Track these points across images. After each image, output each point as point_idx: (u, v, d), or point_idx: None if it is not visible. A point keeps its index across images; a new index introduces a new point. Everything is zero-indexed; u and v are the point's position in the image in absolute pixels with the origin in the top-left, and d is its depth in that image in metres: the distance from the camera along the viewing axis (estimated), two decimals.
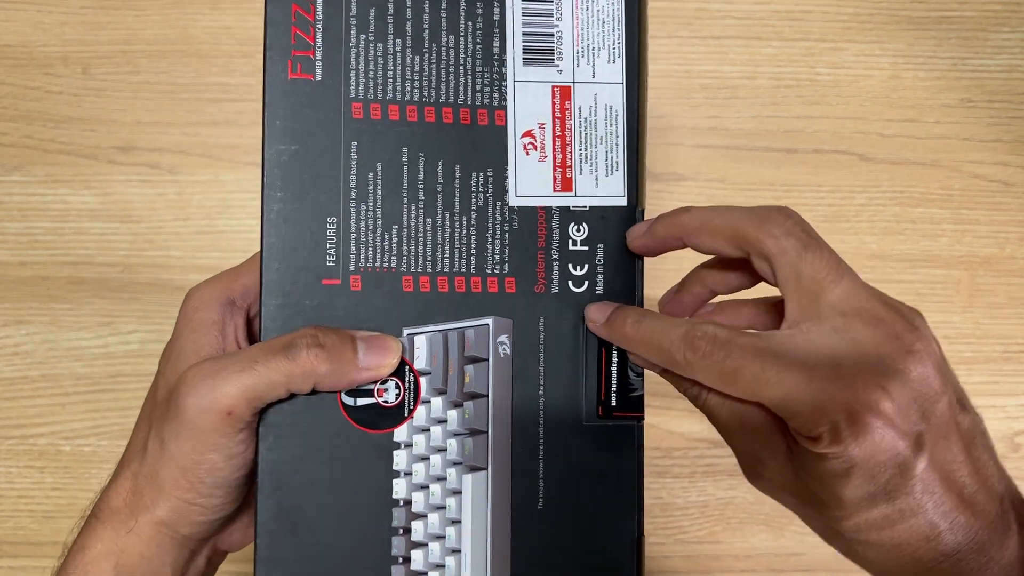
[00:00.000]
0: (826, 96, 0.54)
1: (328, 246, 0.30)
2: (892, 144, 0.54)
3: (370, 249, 0.31)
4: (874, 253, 0.54)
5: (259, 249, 0.30)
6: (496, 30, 0.32)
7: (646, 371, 0.32)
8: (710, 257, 0.32)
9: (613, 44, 0.32)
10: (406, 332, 0.31)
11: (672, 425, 0.53)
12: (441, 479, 0.31)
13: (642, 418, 0.32)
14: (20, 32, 0.53)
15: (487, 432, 0.31)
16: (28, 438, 0.51)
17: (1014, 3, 0.55)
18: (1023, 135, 0.55)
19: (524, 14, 0.32)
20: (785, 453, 0.27)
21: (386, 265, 0.31)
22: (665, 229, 0.30)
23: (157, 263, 0.52)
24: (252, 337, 0.33)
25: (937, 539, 0.25)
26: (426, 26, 0.31)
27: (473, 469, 0.31)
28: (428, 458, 0.31)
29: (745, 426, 0.28)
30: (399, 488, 0.31)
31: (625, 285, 0.32)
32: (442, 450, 0.31)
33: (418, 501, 0.31)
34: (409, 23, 0.31)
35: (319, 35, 0.30)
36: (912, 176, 0.54)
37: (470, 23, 0.31)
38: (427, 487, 0.31)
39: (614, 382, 0.32)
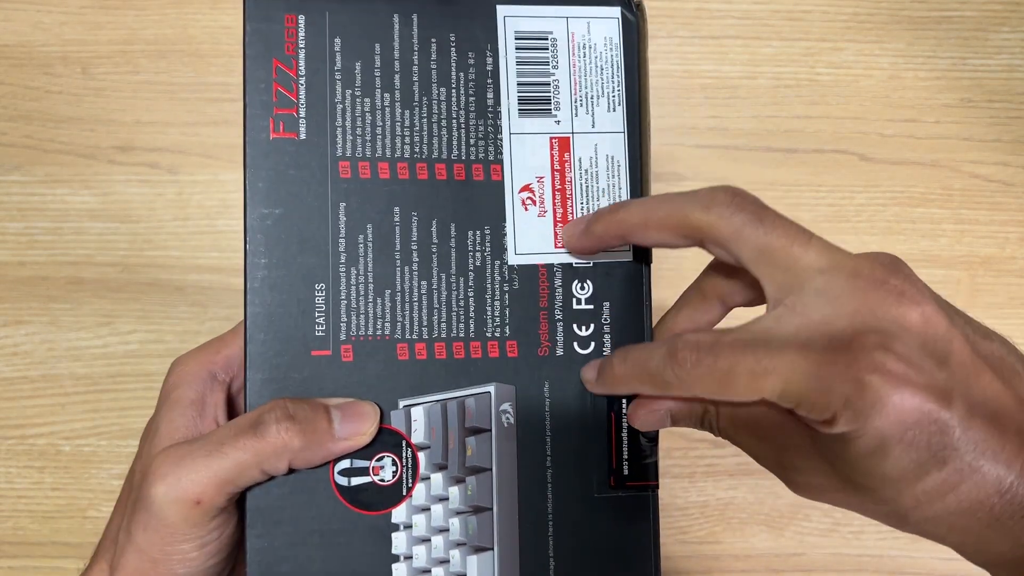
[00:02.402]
0: (826, 96, 0.54)
1: (317, 314, 0.29)
2: (892, 144, 0.54)
3: (362, 316, 0.29)
4: None
5: (243, 319, 0.29)
6: (490, 81, 0.30)
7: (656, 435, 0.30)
8: (712, 260, 0.29)
9: (613, 92, 0.31)
10: (402, 404, 0.29)
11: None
12: (444, 562, 0.29)
13: (657, 486, 0.30)
14: (20, 32, 0.53)
15: (492, 509, 0.29)
16: (27, 438, 0.51)
17: (1014, 3, 0.55)
18: (1023, 135, 0.55)
19: (518, 63, 0.30)
20: (812, 448, 0.25)
21: (379, 333, 0.29)
22: (604, 227, 0.28)
23: (156, 263, 0.52)
24: (233, 414, 0.31)
25: (1011, 491, 0.22)
26: (415, 79, 0.30)
27: (478, 550, 0.29)
28: (429, 539, 0.29)
29: (764, 436, 0.26)
30: (399, 574, 0.29)
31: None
32: (444, 530, 0.29)
33: None
34: (397, 76, 0.29)
35: (302, 92, 0.29)
36: (912, 176, 0.54)
37: (462, 74, 0.30)
38: (429, 572, 0.29)
39: (625, 449, 0.30)
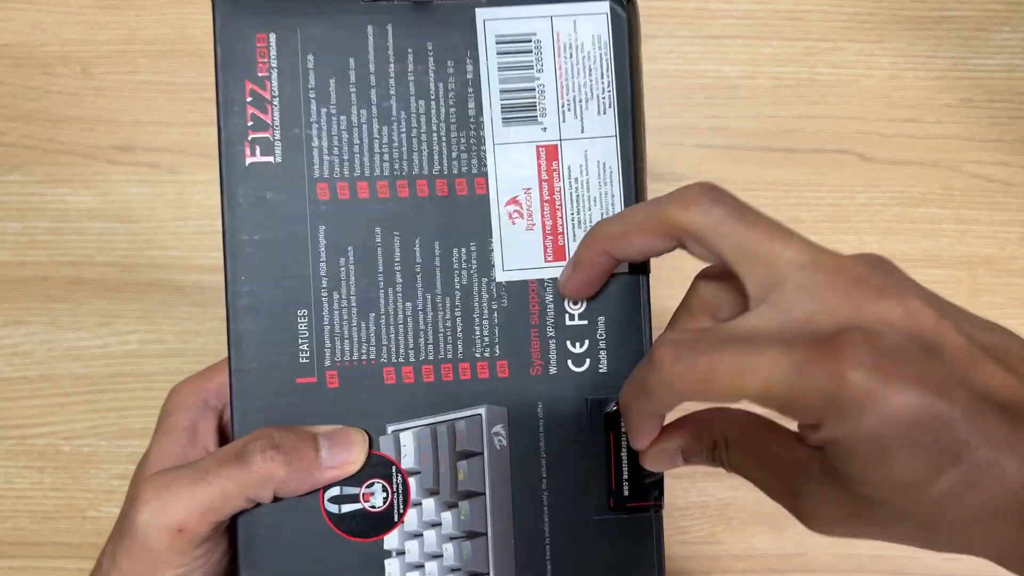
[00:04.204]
0: (826, 96, 0.54)
1: (300, 341, 0.28)
2: (892, 144, 0.54)
3: (346, 341, 0.28)
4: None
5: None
6: (470, 90, 0.29)
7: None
8: (705, 267, 0.28)
9: (603, 93, 0.29)
10: (391, 429, 0.28)
11: None
12: None
13: (660, 506, 0.29)
14: (19, 32, 0.53)
15: (486, 534, 0.29)
16: (27, 438, 0.51)
17: (1015, 3, 0.55)
18: (1023, 135, 0.55)
19: (500, 69, 0.29)
20: (823, 473, 0.23)
21: (364, 358, 0.28)
22: (589, 251, 0.27)
23: (156, 263, 0.52)
24: (225, 442, 0.31)
25: None
26: (392, 92, 0.28)
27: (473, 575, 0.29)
28: (423, 566, 0.28)
29: (774, 465, 0.25)
30: None
31: (630, 361, 0.29)
32: (438, 556, 0.29)
33: None
34: (374, 91, 0.28)
35: (276, 113, 0.28)
36: (912, 176, 0.54)
37: (441, 84, 0.29)
38: None
39: (625, 469, 0.29)
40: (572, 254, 0.28)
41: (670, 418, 0.27)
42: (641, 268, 0.30)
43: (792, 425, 0.25)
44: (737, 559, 0.52)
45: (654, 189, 0.54)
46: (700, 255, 0.26)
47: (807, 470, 0.24)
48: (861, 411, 0.21)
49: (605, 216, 0.29)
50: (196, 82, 0.53)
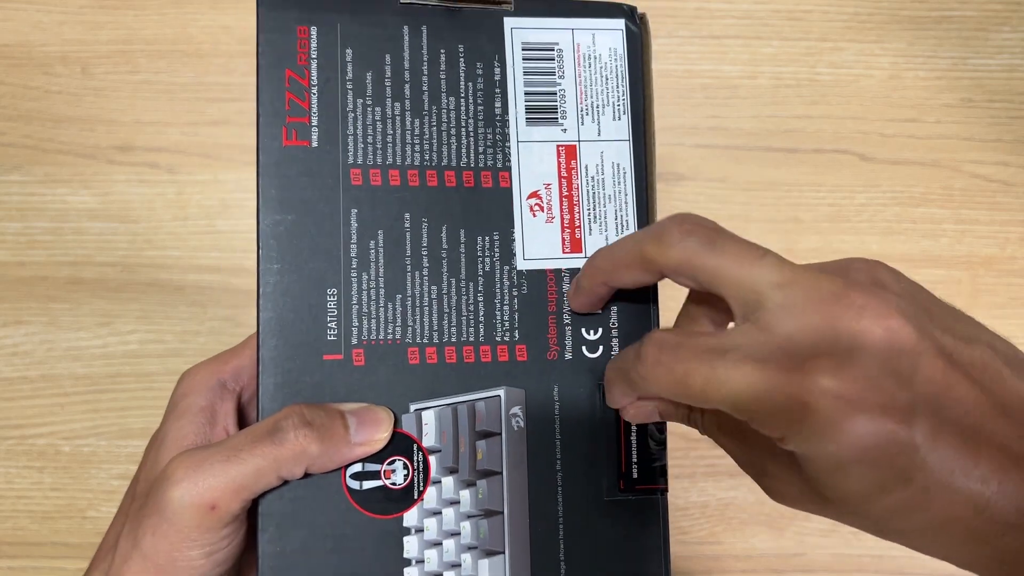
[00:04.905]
0: (826, 96, 0.54)
1: (329, 319, 0.29)
2: (892, 144, 0.54)
3: (373, 321, 0.29)
4: (875, 253, 0.54)
5: (255, 325, 0.29)
6: (497, 90, 0.31)
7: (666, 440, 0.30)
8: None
9: (618, 101, 0.32)
10: (413, 408, 0.29)
11: (672, 426, 0.53)
12: (456, 566, 0.29)
13: (665, 489, 0.31)
14: (19, 32, 0.53)
15: (503, 512, 0.29)
16: (27, 438, 0.51)
17: (1015, 3, 0.55)
18: (1023, 135, 0.55)
19: (525, 73, 0.31)
20: (784, 456, 0.24)
21: (390, 337, 0.29)
22: (588, 280, 0.29)
23: (156, 263, 0.52)
24: (243, 424, 0.31)
25: (988, 509, 0.21)
26: (425, 88, 0.30)
27: (490, 553, 0.29)
28: (441, 543, 0.29)
29: (743, 440, 0.26)
30: None
31: None
32: (456, 534, 0.29)
33: None
34: (407, 86, 0.30)
35: (314, 100, 0.30)
36: (912, 176, 0.54)
37: (470, 84, 0.31)
38: None
39: (634, 453, 0.30)
40: (579, 274, 0.30)
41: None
42: (651, 295, 0.31)
43: None
44: (737, 559, 0.52)
45: (658, 189, 0.54)
46: (684, 284, 0.26)
47: (774, 452, 0.24)
48: (821, 436, 0.21)
49: (619, 212, 0.31)
50: (196, 82, 0.53)
